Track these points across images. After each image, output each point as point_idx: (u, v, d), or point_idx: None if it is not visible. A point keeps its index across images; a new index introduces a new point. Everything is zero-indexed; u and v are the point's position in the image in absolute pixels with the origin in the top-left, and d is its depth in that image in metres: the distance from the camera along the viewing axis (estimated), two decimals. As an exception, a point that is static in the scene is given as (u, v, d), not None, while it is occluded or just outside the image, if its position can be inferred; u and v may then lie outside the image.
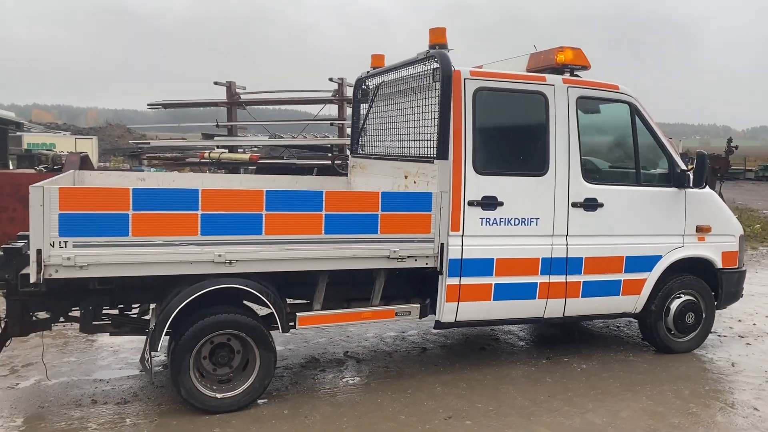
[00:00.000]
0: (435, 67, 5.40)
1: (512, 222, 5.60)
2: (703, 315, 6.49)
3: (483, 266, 5.54)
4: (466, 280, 5.50)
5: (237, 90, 18.51)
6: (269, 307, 4.92)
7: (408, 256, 5.22)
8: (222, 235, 4.67)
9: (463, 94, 5.40)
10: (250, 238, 4.75)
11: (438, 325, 5.59)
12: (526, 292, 5.72)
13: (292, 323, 5.17)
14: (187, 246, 4.59)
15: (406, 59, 5.93)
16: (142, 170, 21.14)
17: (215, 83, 18.17)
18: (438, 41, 5.58)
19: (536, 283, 5.74)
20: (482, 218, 5.51)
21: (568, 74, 5.96)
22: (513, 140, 5.79)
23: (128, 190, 4.46)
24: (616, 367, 6.02)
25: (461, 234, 5.44)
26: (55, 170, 11.55)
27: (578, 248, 5.83)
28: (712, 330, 7.25)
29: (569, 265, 5.82)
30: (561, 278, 5.81)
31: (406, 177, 5.85)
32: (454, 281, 5.46)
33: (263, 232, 4.77)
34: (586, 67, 6.00)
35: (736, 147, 25.25)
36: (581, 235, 5.85)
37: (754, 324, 7.64)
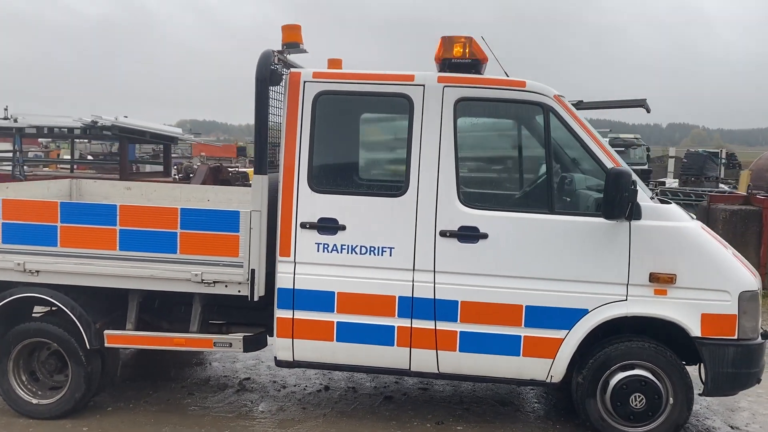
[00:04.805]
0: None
1: (357, 250, 4.67)
2: (669, 400, 4.56)
3: (321, 299, 4.72)
4: (301, 314, 4.75)
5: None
6: (75, 321, 4.86)
7: (215, 281, 4.70)
8: (20, 244, 4.79)
9: (300, 99, 4.70)
10: (47, 250, 4.78)
11: (278, 362, 4.91)
12: (380, 336, 4.71)
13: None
14: None
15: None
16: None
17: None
18: (291, 40, 4.92)
19: (393, 326, 4.68)
20: (319, 243, 4.70)
21: (474, 72, 4.76)
22: (362, 153, 4.85)
23: (-64, 197, 4.84)
24: (503, 449, 4.59)
25: (293, 260, 4.73)
26: (189, 178, 12.93)
27: (451, 289, 4.61)
28: (733, 424, 5.10)
29: (438, 308, 4.63)
30: (428, 324, 4.65)
31: None
32: (285, 314, 4.77)
33: (58, 244, 4.76)
34: (480, 61, 4.72)
35: None
36: (456, 272, 4.61)
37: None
